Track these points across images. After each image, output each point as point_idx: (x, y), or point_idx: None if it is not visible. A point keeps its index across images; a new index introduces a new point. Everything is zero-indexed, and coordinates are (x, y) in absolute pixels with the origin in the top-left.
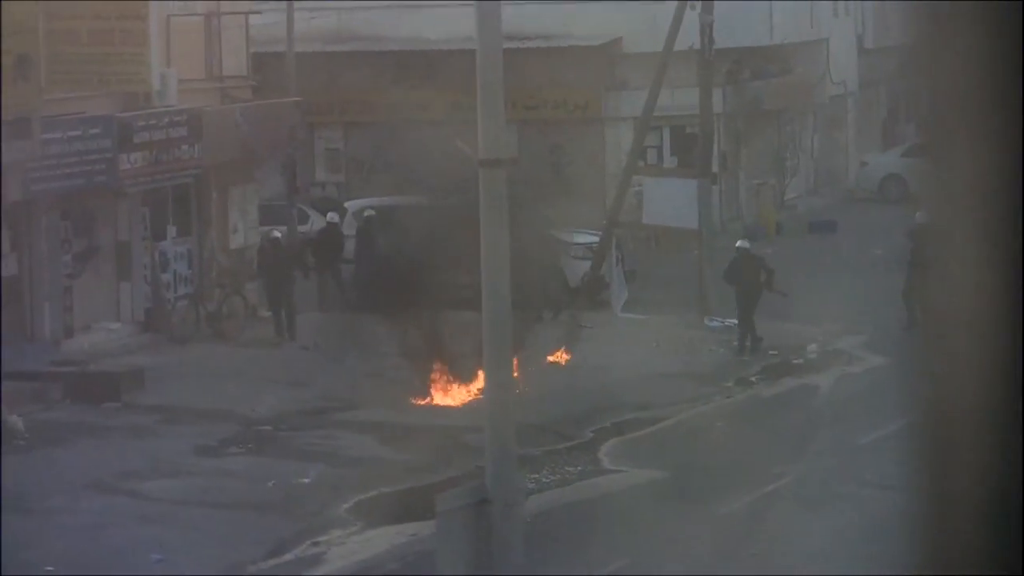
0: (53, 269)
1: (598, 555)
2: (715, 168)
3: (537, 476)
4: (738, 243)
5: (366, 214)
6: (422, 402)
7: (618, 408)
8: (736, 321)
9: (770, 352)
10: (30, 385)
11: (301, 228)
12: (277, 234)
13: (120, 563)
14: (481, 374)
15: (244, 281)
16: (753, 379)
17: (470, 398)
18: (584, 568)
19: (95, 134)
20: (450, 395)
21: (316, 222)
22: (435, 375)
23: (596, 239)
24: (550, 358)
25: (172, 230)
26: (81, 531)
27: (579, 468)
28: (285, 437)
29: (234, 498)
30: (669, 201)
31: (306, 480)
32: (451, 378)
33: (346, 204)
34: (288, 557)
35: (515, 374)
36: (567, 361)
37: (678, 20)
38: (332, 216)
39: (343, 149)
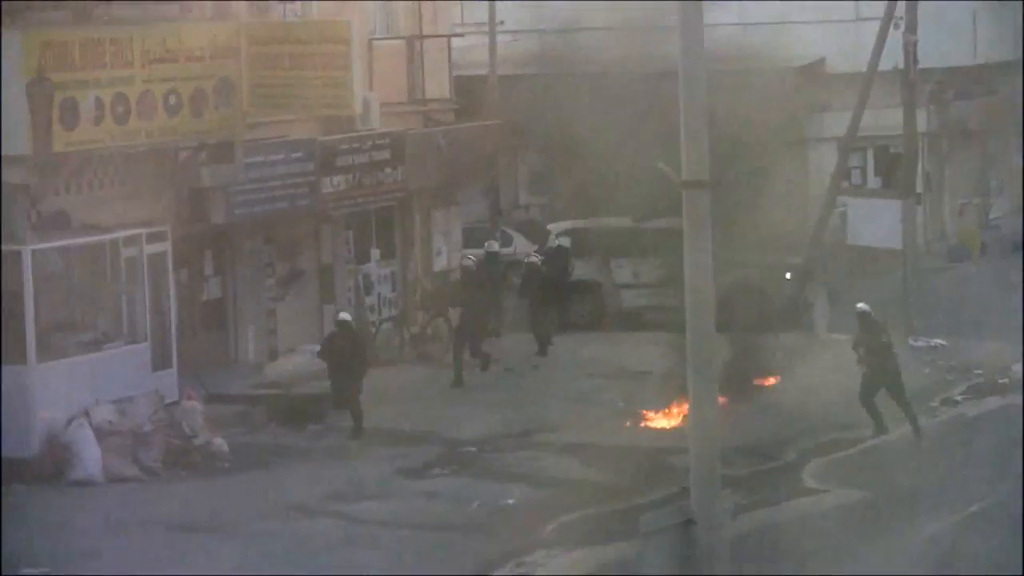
0: (256, 292)
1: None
2: (919, 188)
3: (742, 497)
4: (859, 306)
5: (557, 242)
6: (628, 423)
7: (822, 429)
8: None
9: (975, 372)
10: (234, 408)
11: (504, 249)
12: (469, 262)
13: None
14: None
15: (447, 304)
16: (958, 399)
17: (677, 420)
18: None
19: (298, 158)
20: (657, 416)
21: (520, 245)
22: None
23: (800, 261)
24: (757, 381)
25: (375, 253)
26: (287, 554)
27: (783, 489)
28: (489, 458)
29: (439, 520)
30: (873, 221)
31: (510, 501)
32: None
33: (549, 226)
34: None
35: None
36: (774, 383)
37: (882, 40)
38: (563, 240)
39: (546, 172)
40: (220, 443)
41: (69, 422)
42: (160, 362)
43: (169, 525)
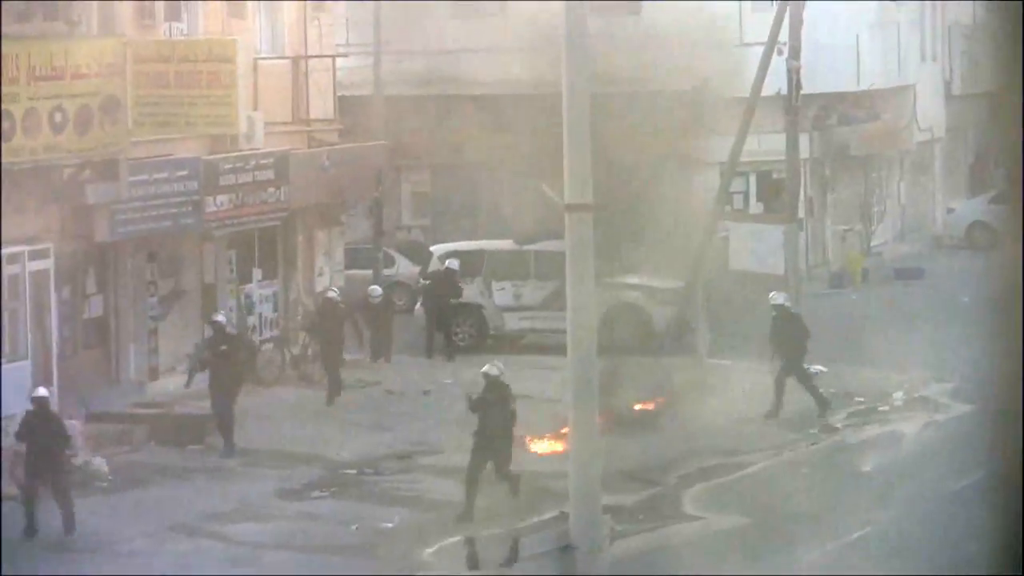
0: (139, 311)
1: None
2: (801, 214)
3: (621, 522)
4: (772, 296)
5: (447, 264)
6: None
7: (703, 454)
8: (813, 373)
9: (856, 399)
10: (115, 427)
11: (387, 271)
12: (333, 294)
13: None
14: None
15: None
16: (838, 426)
17: (556, 444)
18: None
19: (182, 176)
20: (536, 441)
21: (402, 266)
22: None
23: (681, 285)
24: (638, 406)
25: (258, 273)
26: (166, 574)
27: (663, 514)
28: (370, 481)
29: (319, 542)
30: (755, 246)
31: (390, 524)
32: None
33: (432, 248)
34: None
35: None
36: (655, 407)
37: (765, 65)
38: (452, 263)
39: (430, 193)
40: (100, 462)
41: None
42: (41, 380)
43: (47, 544)
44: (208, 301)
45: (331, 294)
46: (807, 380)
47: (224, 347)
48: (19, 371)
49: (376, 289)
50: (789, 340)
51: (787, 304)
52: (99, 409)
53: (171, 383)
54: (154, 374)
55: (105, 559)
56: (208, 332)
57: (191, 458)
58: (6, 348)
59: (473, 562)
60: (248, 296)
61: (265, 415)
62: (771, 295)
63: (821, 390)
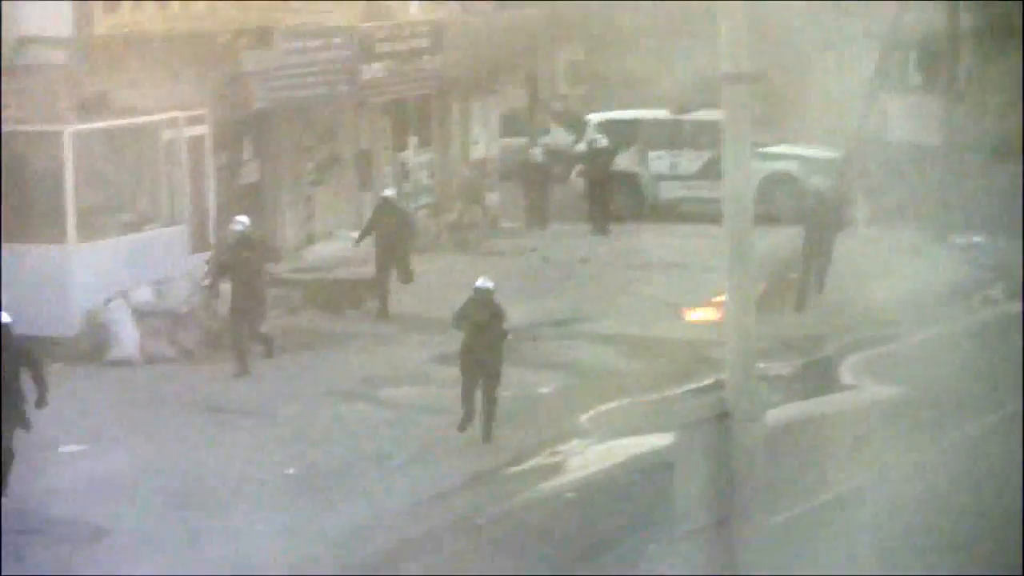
0: (295, 177)
1: (835, 472)
2: (960, 86)
3: (778, 391)
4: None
5: (598, 140)
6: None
7: (860, 325)
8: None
9: (1015, 270)
10: (272, 292)
11: (544, 140)
12: (389, 192)
13: (361, 468)
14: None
15: (484, 192)
16: (998, 297)
17: (713, 313)
18: (821, 483)
19: (337, 44)
20: (692, 310)
21: (556, 134)
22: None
23: (838, 155)
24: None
25: (413, 140)
26: (322, 437)
27: (819, 384)
28: (525, 347)
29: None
30: (913, 118)
31: (546, 390)
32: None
33: (587, 117)
34: (528, 465)
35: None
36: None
37: None
38: (601, 139)
39: (585, 61)
40: None
41: (108, 302)
42: (198, 244)
43: (206, 406)
44: (363, 168)
45: (388, 192)
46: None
47: (392, 218)
48: (177, 235)
49: (538, 152)
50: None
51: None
52: None
53: (328, 248)
54: (310, 240)
55: (265, 422)
56: (376, 202)
57: (348, 323)
58: (165, 212)
59: (629, 428)
60: (403, 163)
61: (421, 281)
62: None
63: (980, 260)
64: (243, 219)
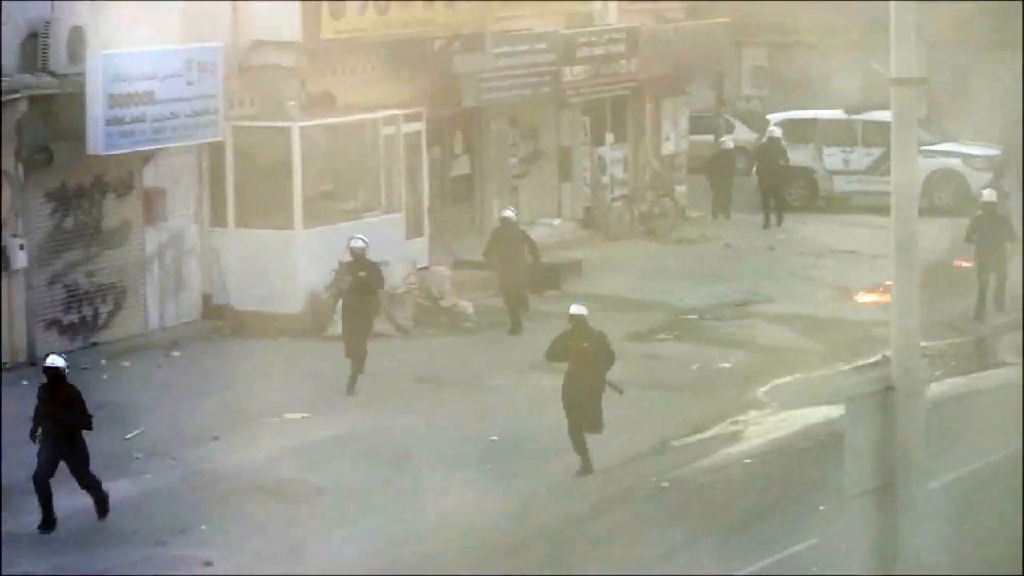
0: (501, 170)
1: (992, 443)
2: None
3: (939, 366)
4: (986, 193)
5: (771, 133)
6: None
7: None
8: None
9: None
10: (480, 274)
11: (726, 137)
12: (509, 213)
13: (559, 436)
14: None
15: (674, 185)
16: None
17: (881, 296)
18: (978, 453)
19: (541, 49)
20: (863, 293)
21: (740, 132)
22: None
23: (999, 152)
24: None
25: (609, 137)
26: (525, 407)
27: (977, 360)
28: (709, 326)
29: (662, 380)
30: None
31: (727, 365)
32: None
33: (768, 116)
34: (709, 434)
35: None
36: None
37: None
38: (775, 130)
39: (767, 67)
40: (465, 305)
41: (330, 283)
42: (413, 230)
43: (418, 377)
44: (564, 162)
45: (507, 213)
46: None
47: (513, 239)
48: (394, 222)
49: (728, 142)
50: (990, 242)
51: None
52: (465, 257)
53: (531, 235)
54: None
55: (471, 392)
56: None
57: (547, 302)
58: (383, 201)
59: (802, 400)
60: (601, 158)
61: (615, 266)
62: (985, 192)
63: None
64: (362, 238)
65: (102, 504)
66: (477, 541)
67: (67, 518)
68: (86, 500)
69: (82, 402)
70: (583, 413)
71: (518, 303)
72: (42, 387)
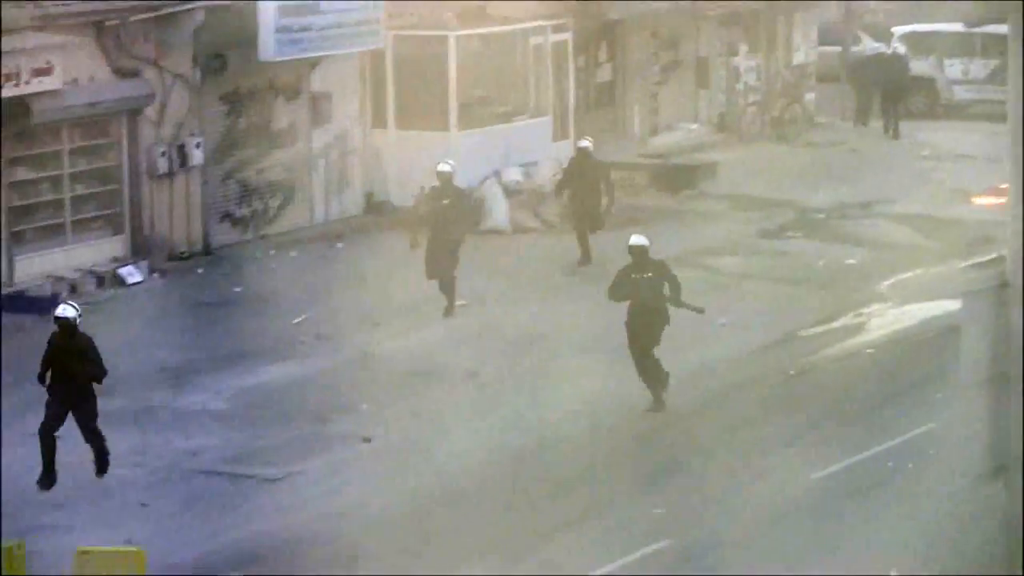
0: (643, 78)
1: None
2: None
3: None
4: None
5: (894, 48)
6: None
7: None
8: None
9: None
10: (621, 174)
11: (853, 48)
12: (585, 143)
13: (692, 325)
14: None
15: (803, 92)
16: None
17: (998, 198)
18: None
19: None
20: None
21: (867, 44)
22: None
23: None
24: None
25: (743, 48)
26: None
27: None
28: (835, 224)
29: (790, 275)
30: None
31: (852, 261)
32: None
33: (893, 29)
34: (834, 325)
35: None
36: None
37: None
38: (898, 46)
39: None
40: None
41: (483, 180)
42: (559, 133)
43: (563, 269)
44: (701, 71)
45: (584, 143)
46: None
47: (589, 169)
48: (542, 125)
49: (877, 49)
50: None
51: None
52: (608, 158)
53: (669, 138)
54: (654, 131)
55: (604, 282)
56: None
57: (684, 201)
58: (531, 105)
59: (922, 294)
60: (735, 67)
61: (748, 168)
62: None
63: None
64: (450, 162)
65: (102, 460)
66: (612, 425)
67: (239, 395)
68: (258, 380)
69: (96, 352)
70: (651, 346)
71: (594, 227)
72: (53, 335)
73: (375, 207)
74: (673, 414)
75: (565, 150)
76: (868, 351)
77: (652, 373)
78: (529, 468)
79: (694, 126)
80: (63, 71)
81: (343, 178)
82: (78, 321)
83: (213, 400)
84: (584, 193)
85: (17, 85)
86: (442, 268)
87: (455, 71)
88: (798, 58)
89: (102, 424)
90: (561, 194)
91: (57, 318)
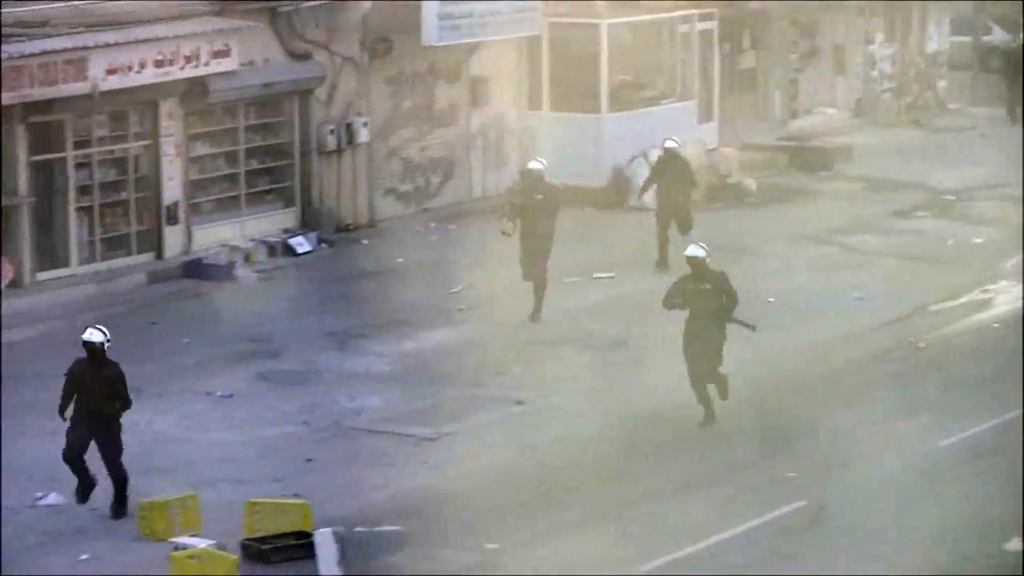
0: (783, 64)
1: None
2: None
3: None
4: None
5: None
6: None
7: None
8: None
9: None
10: (761, 155)
11: (984, 37)
12: (672, 144)
13: (831, 299)
14: None
15: (936, 79)
16: None
17: None
18: None
19: None
20: None
21: (996, 34)
22: None
23: None
24: None
25: (879, 36)
26: (798, 272)
27: None
28: (963, 205)
29: (920, 252)
30: None
31: (979, 240)
32: None
33: None
34: (962, 300)
35: None
36: None
37: None
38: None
39: None
40: (749, 183)
41: (631, 160)
42: (704, 116)
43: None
44: (838, 58)
45: (671, 143)
46: None
47: (675, 170)
48: (687, 108)
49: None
50: None
51: None
52: (749, 140)
53: (807, 121)
54: (794, 115)
55: (755, 258)
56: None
57: (821, 182)
58: (678, 90)
59: None
60: (871, 54)
61: (882, 150)
62: None
63: None
64: (540, 160)
65: (121, 495)
66: (747, 390)
67: (399, 358)
68: (417, 345)
69: (123, 382)
70: (705, 360)
71: (684, 230)
72: (78, 362)
73: None
74: (807, 381)
75: (709, 132)
76: (994, 325)
77: (701, 386)
78: (668, 430)
79: (831, 111)
80: (239, 54)
81: (499, 156)
82: (107, 346)
83: (375, 363)
84: (671, 194)
85: (197, 67)
86: (536, 271)
87: (607, 57)
88: (931, 46)
89: (268, 383)
90: (645, 191)
91: (86, 343)
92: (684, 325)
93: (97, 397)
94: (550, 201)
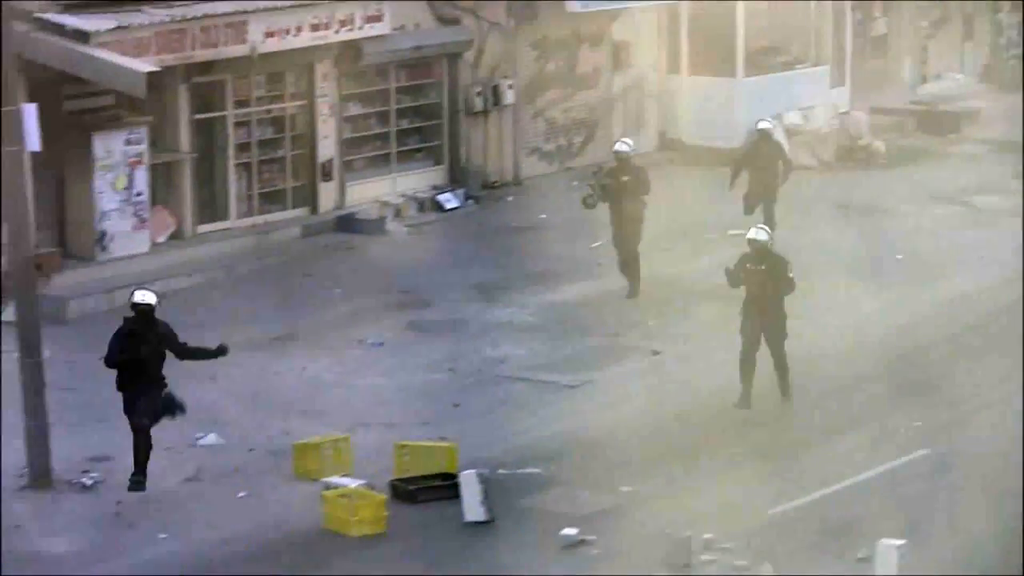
0: (914, 31)
1: None
2: None
3: None
4: None
5: None
6: None
7: None
8: None
9: None
10: (891, 119)
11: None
12: (766, 124)
13: (954, 257)
14: None
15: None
16: None
17: None
18: None
19: None
20: None
21: None
22: None
23: None
24: None
25: (1006, 5)
26: (926, 232)
27: None
28: None
29: None
30: None
31: None
32: None
33: None
34: None
35: None
36: None
37: None
38: None
39: None
40: (879, 145)
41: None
42: (837, 80)
43: (836, 204)
44: (967, 25)
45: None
46: None
47: (767, 151)
48: (820, 73)
49: None
50: None
51: None
52: (880, 104)
53: (936, 86)
54: (923, 80)
55: (881, 218)
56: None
57: (949, 144)
58: (811, 55)
59: None
60: (999, 22)
61: (1008, 115)
62: None
63: None
64: (627, 142)
65: (141, 460)
66: (876, 343)
67: (542, 310)
68: (559, 297)
69: (175, 337)
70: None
71: (768, 221)
72: (128, 321)
73: (668, 144)
74: (932, 336)
75: (841, 96)
76: None
77: (749, 366)
78: (799, 380)
79: (960, 76)
80: (392, 18)
81: (639, 118)
82: (157, 306)
83: (519, 314)
84: (761, 174)
85: (351, 30)
86: (628, 248)
87: (743, 23)
88: None
89: (417, 332)
90: (737, 175)
91: (136, 304)
92: (742, 305)
93: (156, 354)
94: (638, 183)
